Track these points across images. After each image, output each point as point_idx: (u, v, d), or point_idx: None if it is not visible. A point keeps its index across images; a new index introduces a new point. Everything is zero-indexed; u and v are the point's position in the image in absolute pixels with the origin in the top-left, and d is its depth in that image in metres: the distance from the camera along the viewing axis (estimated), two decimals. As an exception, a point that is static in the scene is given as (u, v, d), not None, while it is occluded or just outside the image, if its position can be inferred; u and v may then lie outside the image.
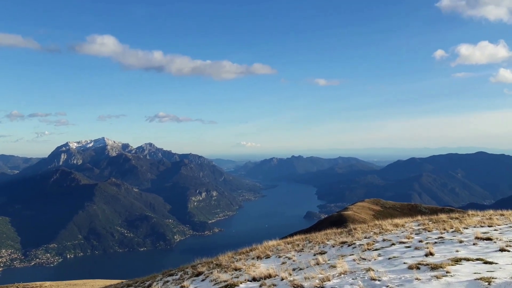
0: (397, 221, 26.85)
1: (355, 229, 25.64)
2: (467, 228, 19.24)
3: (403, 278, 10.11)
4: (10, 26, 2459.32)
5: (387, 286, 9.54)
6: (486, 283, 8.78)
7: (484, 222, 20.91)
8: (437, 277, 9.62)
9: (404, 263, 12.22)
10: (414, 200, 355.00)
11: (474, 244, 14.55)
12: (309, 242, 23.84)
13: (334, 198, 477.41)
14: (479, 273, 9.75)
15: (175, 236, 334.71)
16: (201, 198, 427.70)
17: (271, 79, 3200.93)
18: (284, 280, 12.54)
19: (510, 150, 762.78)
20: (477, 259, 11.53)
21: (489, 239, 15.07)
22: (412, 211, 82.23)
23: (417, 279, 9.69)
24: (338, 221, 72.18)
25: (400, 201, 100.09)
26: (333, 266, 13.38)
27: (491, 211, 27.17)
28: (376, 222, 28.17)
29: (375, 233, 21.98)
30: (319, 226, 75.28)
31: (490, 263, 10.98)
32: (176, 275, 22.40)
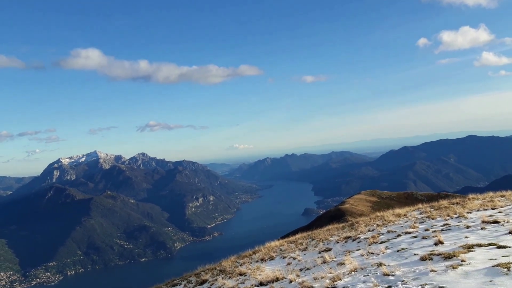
0: (398, 211, 26.52)
1: (357, 222, 25.28)
2: (470, 213, 18.94)
3: (417, 271, 9.67)
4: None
5: (402, 281, 9.07)
6: (506, 269, 8.36)
7: (486, 205, 20.62)
8: (453, 267, 9.19)
9: (415, 254, 11.78)
10: (409, 188, 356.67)
11: (482, 228, 14.17)
12: (312, 239, 23.43)
13: (330, 193, 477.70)
14: (495, 259, 9.35)
15: (175, 244, 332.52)
16: (198, 204, 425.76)
17: (259, 80, 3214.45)
18: (292, 283, 12.09)
19: (499, 131, 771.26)
20: (489, 244, 11.11)
21: (496, 222, 14.71)
22: (408, 199, 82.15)
23: (432, 270, 9.25)
24: (337, 215, 71.96)
25: (396, 191, 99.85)
26: (342, 264, 12.96)
27: (491, 193, 27.00)
28: (378, 213, 27.83)
29: (378, 225, 21.62)
30: (318, 222, 74.94)
31: (504, 247, 10.59)
32: (180, 284, 21.87)
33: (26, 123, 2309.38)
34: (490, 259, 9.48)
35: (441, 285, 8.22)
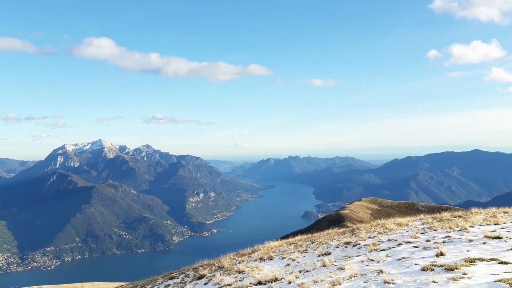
0: (400, 220, 26.42)
1: (358, 228, 25.22)
2: (473, 227, 18.86)
3: (418, 280, 9.67)
4: (6, 29, 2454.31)
5: (403, 290, 9.10)
6: (508, 286, 8.35)
7: (489, 220, 20.52)
8: (455, 279, 9.18)
9: (416, 264, 11.76)
10: (411, 198, 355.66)
11: (484, 243, 14.12)
12: (312, 242, 23.40)
13: (331, 197, 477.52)
14: (497, 274, 9.34)
15: (173, 237, 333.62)
16: (199, 199, 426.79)
17: (268, 80, 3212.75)
18: (291, 284, 12.10)
19: (505, 147, 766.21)
20: (491, 259, 11.10)
21: (498, 237, 14.66)
22: (409, 209, 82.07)
23: (433, 281, 9.24)
24: (336, 220, 72.01)
25: (397, 200, 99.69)
26: (341, 268, 12.95)
27: (493, 209, 26.83)
28: (379, 221, 27.75)
29: (379, 232, 21.57)
30: (318, 225, 74.96)
31: (506, 263, 10.56)
32: (177, 278, 21.94)
33: (34, 107, 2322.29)
34: (492, 274, 9.46)
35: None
